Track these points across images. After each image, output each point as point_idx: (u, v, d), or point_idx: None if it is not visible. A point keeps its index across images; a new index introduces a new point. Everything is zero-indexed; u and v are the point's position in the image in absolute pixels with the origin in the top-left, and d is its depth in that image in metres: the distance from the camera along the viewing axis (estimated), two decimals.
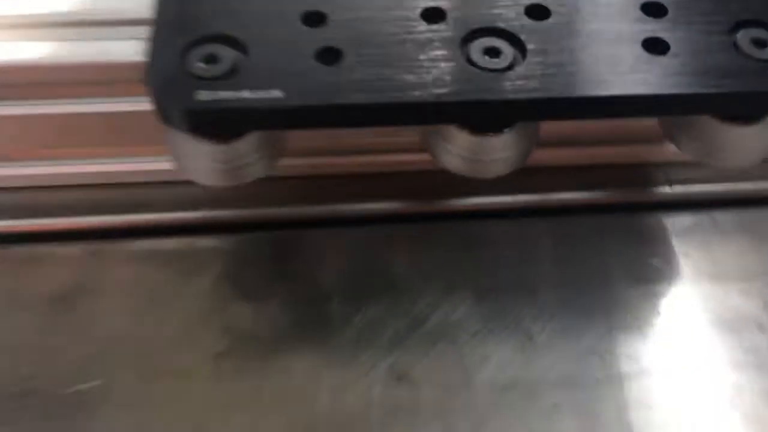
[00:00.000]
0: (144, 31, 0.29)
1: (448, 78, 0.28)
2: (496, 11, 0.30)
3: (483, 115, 0.29)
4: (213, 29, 0.29)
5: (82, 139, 0.34)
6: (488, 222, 0.37)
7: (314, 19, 0.29)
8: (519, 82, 0.28)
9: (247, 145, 0.30)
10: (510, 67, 0.29)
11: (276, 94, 0.27)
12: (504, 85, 0.28)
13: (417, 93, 0.28)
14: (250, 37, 0.29)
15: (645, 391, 0.32)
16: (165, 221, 0.36)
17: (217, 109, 0.27)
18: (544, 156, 0.36)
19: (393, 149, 0.37)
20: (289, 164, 0.33)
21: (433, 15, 0.30)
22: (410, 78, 0.28)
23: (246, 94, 0.27)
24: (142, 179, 0.36)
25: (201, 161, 0.30)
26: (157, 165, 0.35)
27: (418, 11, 0.30)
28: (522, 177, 0.37)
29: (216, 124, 0.28)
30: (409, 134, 0.35)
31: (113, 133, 0.33)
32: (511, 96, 0.28)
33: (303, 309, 0.34)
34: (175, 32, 0.29)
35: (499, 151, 0.31)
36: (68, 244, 0.36)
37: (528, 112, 0.29)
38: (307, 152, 0.36)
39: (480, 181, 0.37)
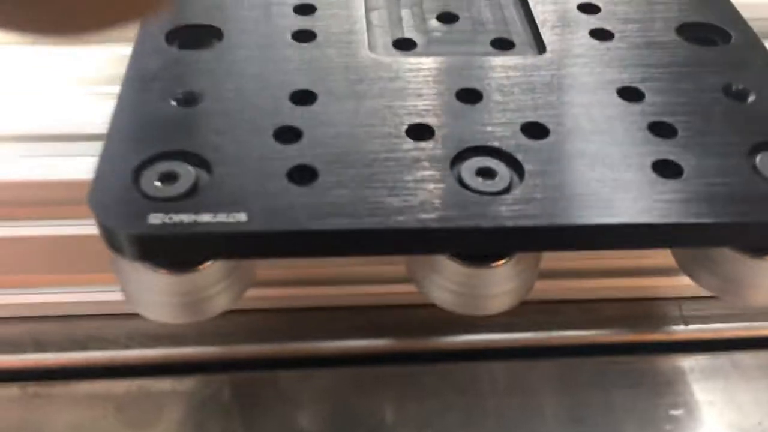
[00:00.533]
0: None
1: (436, 201, 0.25)
2: (489, 129, 0.27)
3: (477, 244, 0.25)
4: (172, 145, 0.26)
5: (23, 265, 0.30)
6: (485, 363, 0.33)
7: (288, 135, 0.27)
8: (517, 207, 0.25)
9: (209, 275, 0.26)
10: (506, 191, 0.25)
11: (240, 217, 0.24)
12: (500, 210, 0.25)
13: (401, 218, 0.24)
14: (214, 153, 0.26)
15: None
16: (117, 360, 0.32)
17: (171, 234, 0.23)
18: (544, 288, 0.33)
19: (377, 280, 0.33)
20: (257, 295, 0.30)
21: (420, 132, 0.27)
22: (394, 201, 0.25)
23: (206, 217, 0.24)
24: (91, 311, 0.31)
25: (154, 294, 0.26)
26: (108, 296, 0.31)
27: (404, 128, 0.27)
28: (521, 312, 0.34)
29: (170, 252, 0.24)
30: (394, 262, 0.32)
31: (59, 260, 0.30)
32: (509, 223, 0.24)
33: None
34: (129, 147, 0.26)
35: (496, 285, 0.27)
36: (7, 385, 0.31)
37: (528, 241, 0.25)
38: (278, 282, 0.32)
39: (475, 317, 0.33)
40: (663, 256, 0.31)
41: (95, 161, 0.25)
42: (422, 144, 0.27)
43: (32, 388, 0.31)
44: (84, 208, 0.25)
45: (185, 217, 0.24)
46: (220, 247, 0.24)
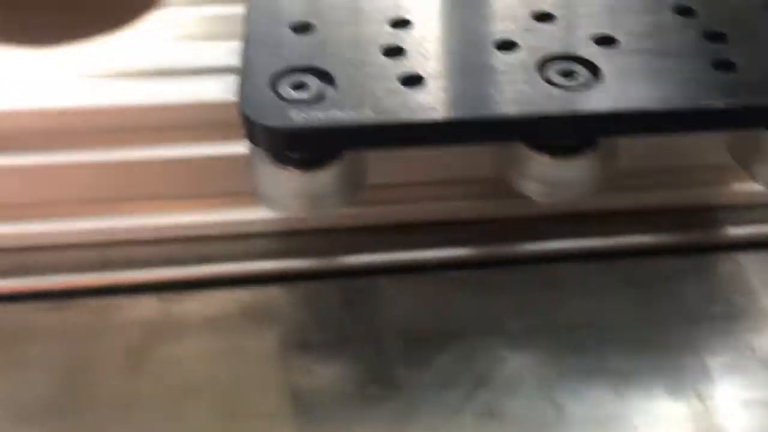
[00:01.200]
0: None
1: (533, 96, 0.29)
2: (566, 41, 0.31)
3: (569, 131, 0.29)
4: (298, 61, 0.30)
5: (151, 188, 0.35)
6: (557, 266, 0.37)
7: (394, 52, 0.31)
8: (600, 97, 0.29)
9: (330, 173, 0.30)
10: (586, 87, 0.30)
11: (367, 113, 0.28)
12: (586, 100, 0.29)
13: (503, 108, 0.29)
14: (334, 68, 0.30)
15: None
16: (237, 272, 0.36)
17: (312, 127, 0.28)
18: (608, 201, 0.37)
19: (452, 197, 0.38)
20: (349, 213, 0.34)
21: (507, 46, 0.31)
22: (496, 96, 0.29)
23: (337, 113, 0.28)
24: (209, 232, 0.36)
25: (283, 189, 0.30)
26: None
27: (492, 42, 0.31)
28: (586, 222, 0.38)
29: (310, 144, 0.29)
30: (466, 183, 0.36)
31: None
32: (599, 107, 0.29)
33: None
34: (263, 64, 0.30)
35: (579, 172, 0.31)
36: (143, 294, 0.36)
37: (613, 126, 0.29)
38: (369, 202, 0.36)
39: (547, 222, 0.37)
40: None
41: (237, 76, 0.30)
42: (510, 55, 0.31)
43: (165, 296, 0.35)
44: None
45: (321, 114, 0.28)
46: (352, 139, 0.29)
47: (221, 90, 0.33)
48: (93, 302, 0.35)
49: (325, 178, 0.30)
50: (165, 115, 0.33)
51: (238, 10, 0.34)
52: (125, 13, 0.39)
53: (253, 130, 0.28)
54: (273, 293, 0.36)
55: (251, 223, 0.36)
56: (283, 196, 0.31)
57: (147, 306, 0.35)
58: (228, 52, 0.35)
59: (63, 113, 0.34)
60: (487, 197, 0.37)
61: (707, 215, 0.38)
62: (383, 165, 0.34)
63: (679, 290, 0.36)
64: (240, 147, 0.31)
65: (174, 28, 0.38)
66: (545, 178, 0.31)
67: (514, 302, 0.36)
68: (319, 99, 0.29)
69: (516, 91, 0.29)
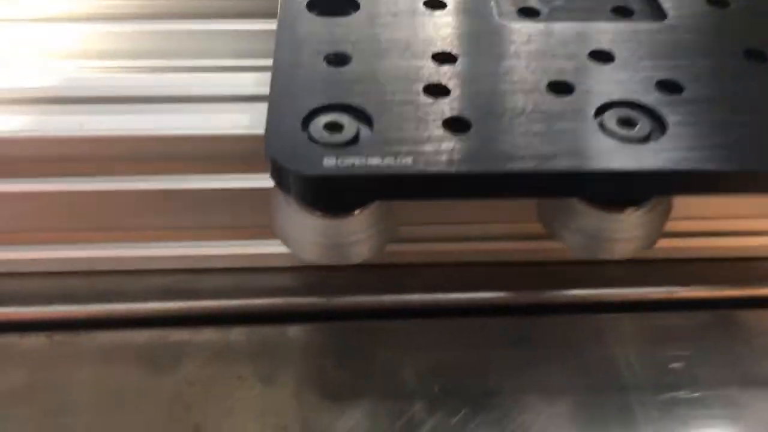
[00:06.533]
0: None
1: (585, 148, 0.26)
2: (625, 85, 0.29)
3: (623, 186, 0.27)
4: (333, 98, 0.28)
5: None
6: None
7: (437, 91, 0.28)
8: (663, 153, 0.26)
9: (360, 220, 0.28)
10: (647, 138, 0.27)
11: (406, 161, 0.26)
12: (647, 155, 0.26)
13: (555, 162, 0.26)
14: (372, 106, 0.28)
15: None
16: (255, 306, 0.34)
17: (346, 175, 0.25)
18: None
19: (492, 237, 0.35)
20: None
21: (560, 88, 0.29)
22: (546, 147, 0.26)
23: (374, 161, 0.26)
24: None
25: (309, 235, 0.28)
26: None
27: (544, 84, 0.29)
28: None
29: (340, 192, 0.26)
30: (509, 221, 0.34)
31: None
32: (663, 166, 0.26)
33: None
34: (295, 101, 0.28)
35: (630, 229, 0.28)
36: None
37: (682, 185, 0.27)
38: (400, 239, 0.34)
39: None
40: None
41: (266, 115, 0.27)
42: (564, 98, 0.28)
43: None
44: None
45: (356, 160, 0.26)
46: (388, 189, 0.26)
47: None
48: None
49: (353, 225, 0.28)
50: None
51: None
52: None
53: (281, 175, 0.26)
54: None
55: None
56: (307, 242, 0.28)
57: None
58: None
59: None
60: (530, 237, 0.35)
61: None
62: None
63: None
64: None
65: None
66: (593, 232, 0.29)
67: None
68: (353, 142, 0.27)
69: (572, 142, 0.27)
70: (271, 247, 0.34)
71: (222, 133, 0.31)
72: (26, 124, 0.31)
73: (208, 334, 0.33)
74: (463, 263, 0.35)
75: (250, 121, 0.31)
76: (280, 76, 0.29)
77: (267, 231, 0.30)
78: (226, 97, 0.32)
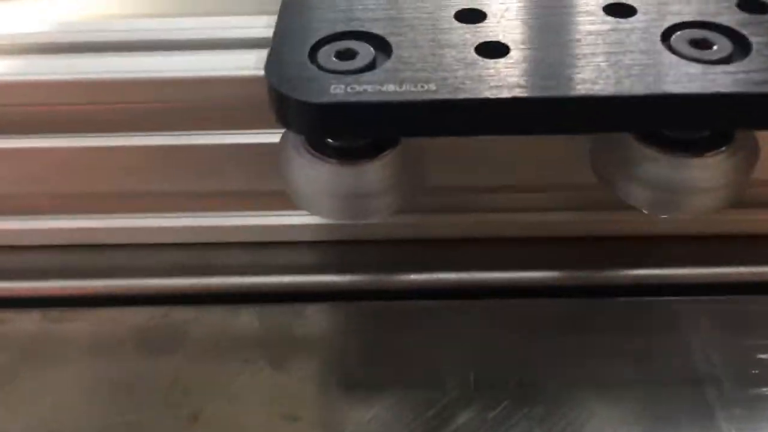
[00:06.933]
0: None
1: (655, 72, 0.22)
2: (701, 4, 0.24)
3: (709, 119, 0.22)
4: (349, 25, 0.24)
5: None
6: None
7: (471, 16, 0.24)
8: (745, 76, 0.21)
9: (379, 168, 0.24)
10: (727, 60, 0.22)
11: (429, 86, 0.21)
12: (724, 77, 0.21)
13: (615, 86, 0.21)
14: (392, 32, 0.23)
15: None
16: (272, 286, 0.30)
17: (355, 102, 0.21)
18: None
19: (537, 207, 0.30)
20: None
21: (620, 10, 0.24)
22: (603, 73, 0.22)
23: (391, 87, 0.21)
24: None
25: (322, 187, 0.24)
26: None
27: (601, 6, 0.24)
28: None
29: (353, 126, 0.22)
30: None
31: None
32: (736, 89, 0.21)
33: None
34: (304, 27, 0.24)
35: (707, 177, 0.23)
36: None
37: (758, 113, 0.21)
38: (431, 209, 0.29)
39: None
40: None
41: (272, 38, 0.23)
42: (625, 21, 0.24)
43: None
44: None
45: (369, 87, 0.21)
46: (407, 120, 0.22)
47: None
48: None
49: (372, 173, 0.24)
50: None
51: None
52: None
53: (282, 107, 0.22)
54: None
55: None
56: (320, 194, 0.24)
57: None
58: None
59: None
60: (583, 209, 0.30)
61: None
62: (448, 162, 0.27)
63: None
64: None
65: None
66: (662, 182, 0.24)
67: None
68: (368, 69, 0.22)
69: (634, 64, 0.22)
70: (285, 218, 0.30)
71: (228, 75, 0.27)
72: (12, 68, 0.27)
73: (214, 313, 0.29)
74: (505, 238, 0.30)
75: (255, 63, 0.27)
76: (288, 1, 0.25)
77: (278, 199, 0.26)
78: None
